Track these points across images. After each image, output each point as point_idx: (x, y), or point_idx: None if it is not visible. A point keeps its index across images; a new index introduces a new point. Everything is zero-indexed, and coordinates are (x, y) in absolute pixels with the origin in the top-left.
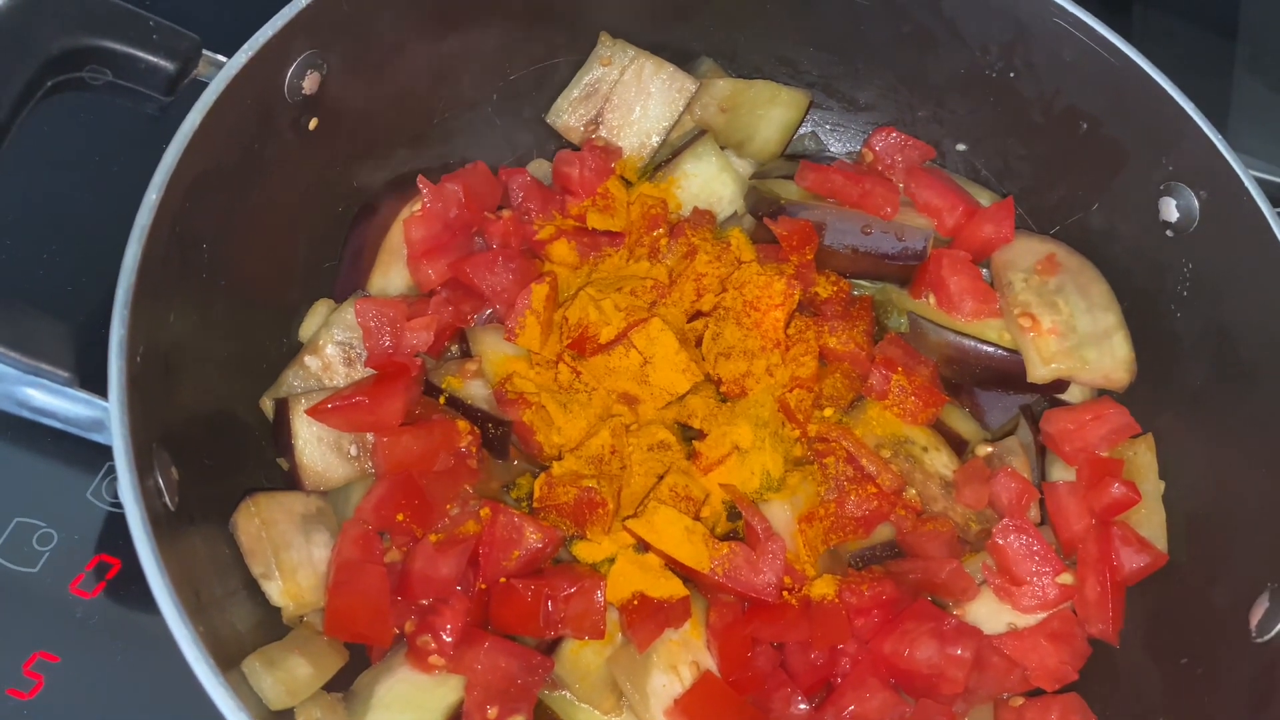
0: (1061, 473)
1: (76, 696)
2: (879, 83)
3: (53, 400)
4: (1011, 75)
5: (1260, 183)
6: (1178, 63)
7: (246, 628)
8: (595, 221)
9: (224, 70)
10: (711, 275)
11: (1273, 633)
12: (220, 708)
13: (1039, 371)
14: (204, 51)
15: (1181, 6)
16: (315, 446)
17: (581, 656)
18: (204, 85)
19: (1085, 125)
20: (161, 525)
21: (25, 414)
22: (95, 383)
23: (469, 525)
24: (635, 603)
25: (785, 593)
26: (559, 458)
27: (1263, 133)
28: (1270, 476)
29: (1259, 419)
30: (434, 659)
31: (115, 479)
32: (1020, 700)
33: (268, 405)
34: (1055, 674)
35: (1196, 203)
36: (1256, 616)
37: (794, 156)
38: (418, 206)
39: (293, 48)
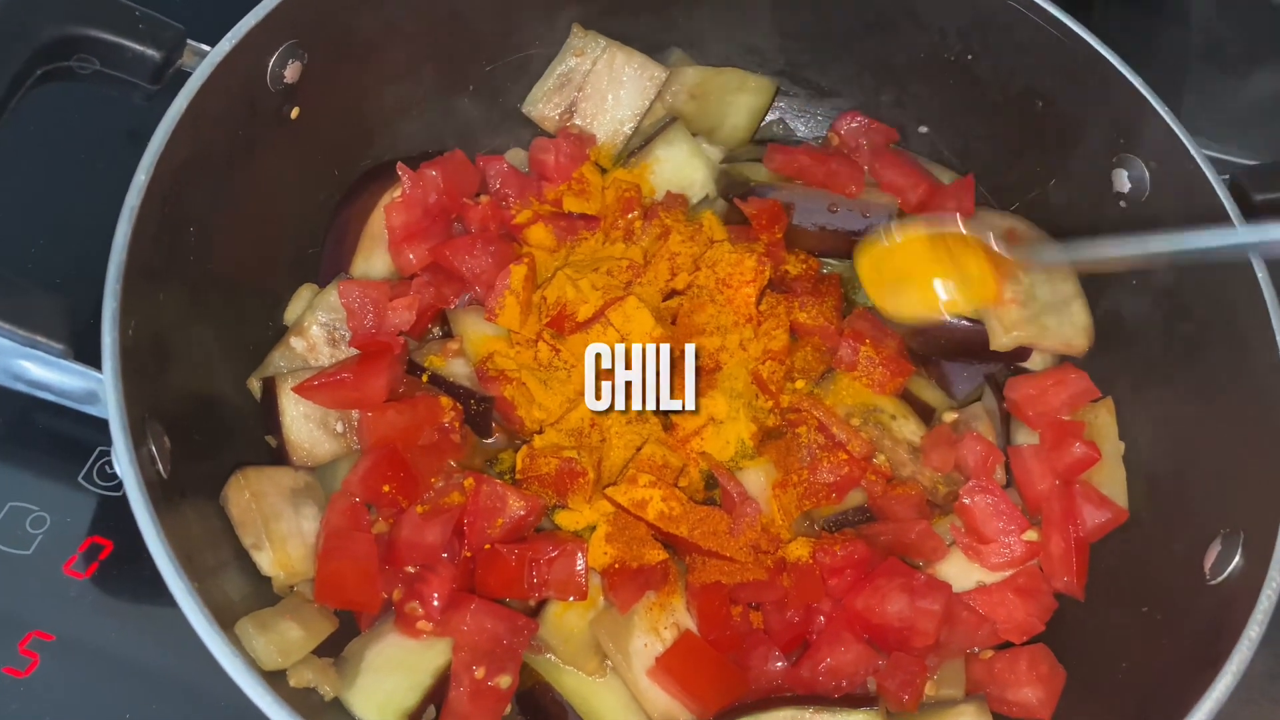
0: (1025, 437)
1: (71, 673)
2: (843, 69)
3: (48, 373)
4: (969, 58)
5: (1214, 161)
6: (1135, 51)
7: (239, 597)
8: (571, 205)
9: (207, 59)
10: (685, 255)
11: (1224, 575)
12: (219, 659)
13: (1001, 340)
14: (188, 41)
15: None
16: (302, 423)
17: (565, 619)
18: (189, 74)
19: (1041, 103)
20: (156, 490)
21: (21, 387)
22: (89, 357)
23: (454, 496)
24: (616, 567)
25: (761, 555)
26: (540, 432)
27: (1216, 117)
28: (1221, 433)
29: (1211, 381)
30: (422, 624)
31: (105, 464)
32: (990, 653)
33: (255, 385)
34: (1023, 627)
35: (1147, 173)
36: (1210, 561)
37: (763, 141)
38: (398, 193)
39: (274, 38)
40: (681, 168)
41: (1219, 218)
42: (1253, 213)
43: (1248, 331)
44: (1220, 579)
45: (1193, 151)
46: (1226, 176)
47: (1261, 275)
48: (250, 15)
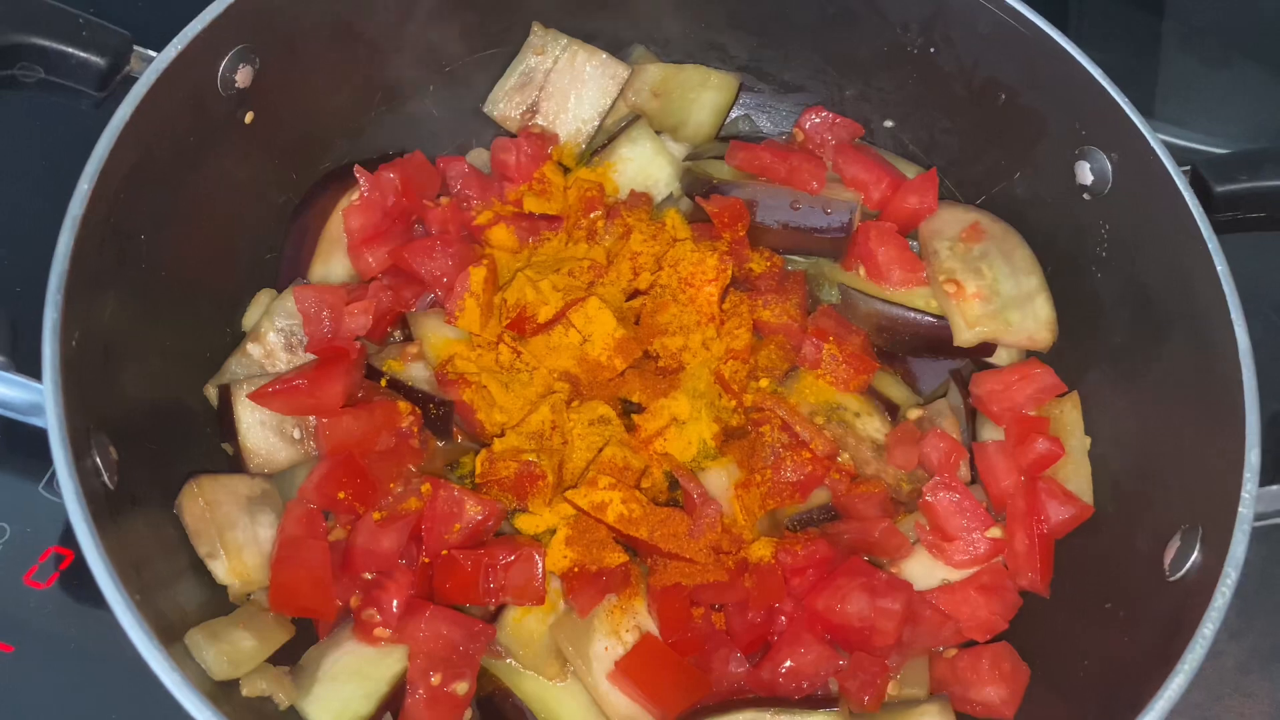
0: (991, 433)
1: (31, 684)
2: (807, 64)
3: None
4: (932, 51)
5: (1185, 151)
6: (1109, 42)
7: (193, 607)
8: (533, 206)
9: (154, 65)
10: (647, 254)
11: (1183, 570)
12: (159, 674)
13: (964, 335)
14: (135, 47)
15: None
16: (259, 430)
17: (524, 624)
18: (135, 80)
19: (1004, 96)
20: (100, 503)
21: None
22: (32, 368)
23: (411, 502)
24: (576, 570)
25: (723, 555)
26: (501, 435)
27: (1191, 106)
28: (1185, 428)
29: (1174, 374)
30: (379, 631)
31: None
32: (953, 652)
33: (211, 392)
34: (986, 625)
35: (1109, 165)
36: (1169, 557)
37: (728, 138)
38: (356, 196)
39: (223, 42)
40: (645, 166)
41: (1180, 210)
42: (1212, 204)
43: (1209, 328)
44: (1179, 575)
45: (1152, 143)
46: (1187, 168)
47: (1221, 269)
48: (197, 20)
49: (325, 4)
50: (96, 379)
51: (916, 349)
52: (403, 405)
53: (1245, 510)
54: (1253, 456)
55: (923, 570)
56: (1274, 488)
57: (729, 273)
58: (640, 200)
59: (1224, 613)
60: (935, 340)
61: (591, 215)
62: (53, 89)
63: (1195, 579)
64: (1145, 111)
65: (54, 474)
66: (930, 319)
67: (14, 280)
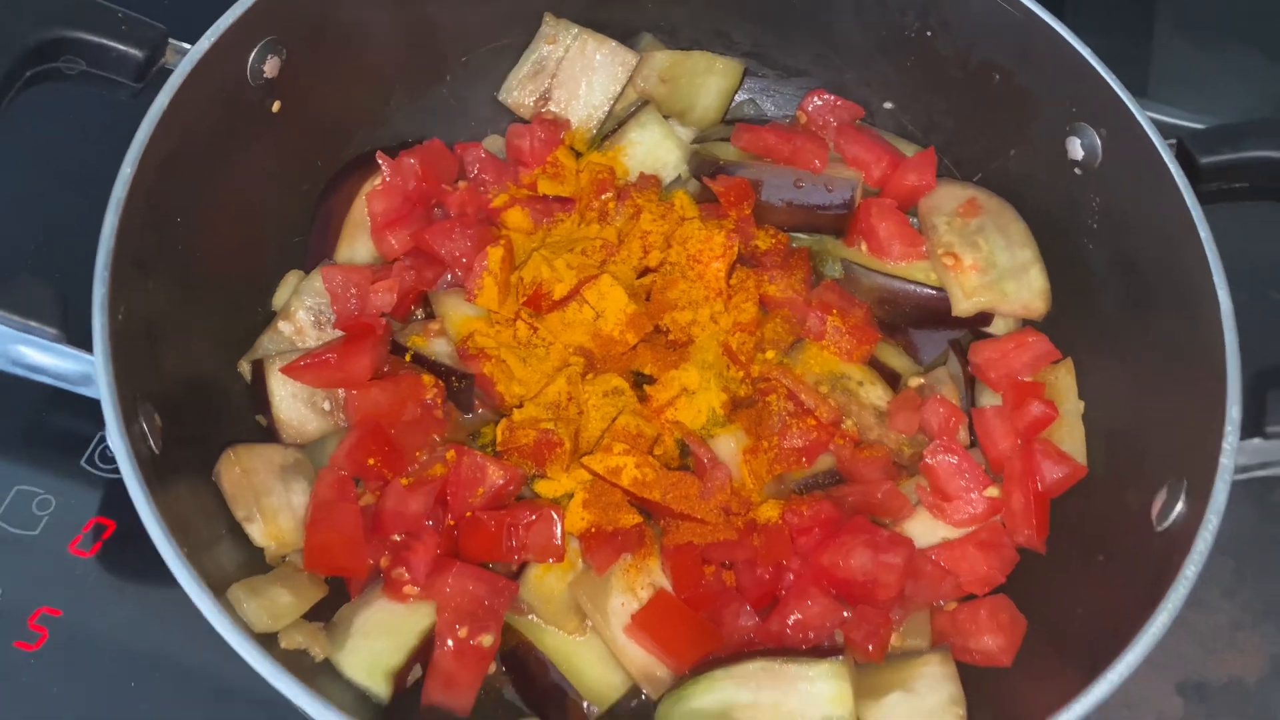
0: (989, 399)
1: (78, 646)
2: (808, 49)
3: (43, 357)
4: (929, 35)
5: (1174, 128)
6: (1108, 25)
7: (233, 567)
8: (546, 188)
9: (188, 57)
10: (656, 233)
11: (1169, 521)
12: (211, 620)
13: (962, 305)
14: (170, 40)
15: None
16: (290, 403)
17: (545, 582)
18: (171, 72)
19: (998, 77)
20: (147, 468)
21: (20, 371)
22: (82, 341)
23: (437, 468)
24: (593, 531)
25: (732, 516)
26: (519, 406)
27: (1183, 86)
28: (1172, 389)
29: (1162, 338)
30: (408, 588)
31: (106, 449)
32: (954, 605)
33: (245, 368)
34: (985, 579)
35: (1099, 140)
36: (1156, 509)
37: (733, 121)
38: (379, 181)
39: (252, 35)
40: (654, 149)
41: (1165, 181)
42: (1197, 176)
43: (1194, 292)
44: (1165, 525)
45: (1139, 117)
46: (1173, 141)
47: (1205, 235)
48: (228, 14)
49: (345, 8)
50: (140, 353)
51: (917, 320)
52: (426, 378)
53: (1226, 461)
54: (1234, 411)
55: (924, 529)
56: (1255, 441)
57: (735, 250)
58: (649, 182)
59: (1205, 556)
60: (935, 311)
61: (603, 197)
62: (93, 80)
63: (1180, 528)
64: (1139, 92)
65: (95, 450)
66: (930, 291)
67: (63, 260)
